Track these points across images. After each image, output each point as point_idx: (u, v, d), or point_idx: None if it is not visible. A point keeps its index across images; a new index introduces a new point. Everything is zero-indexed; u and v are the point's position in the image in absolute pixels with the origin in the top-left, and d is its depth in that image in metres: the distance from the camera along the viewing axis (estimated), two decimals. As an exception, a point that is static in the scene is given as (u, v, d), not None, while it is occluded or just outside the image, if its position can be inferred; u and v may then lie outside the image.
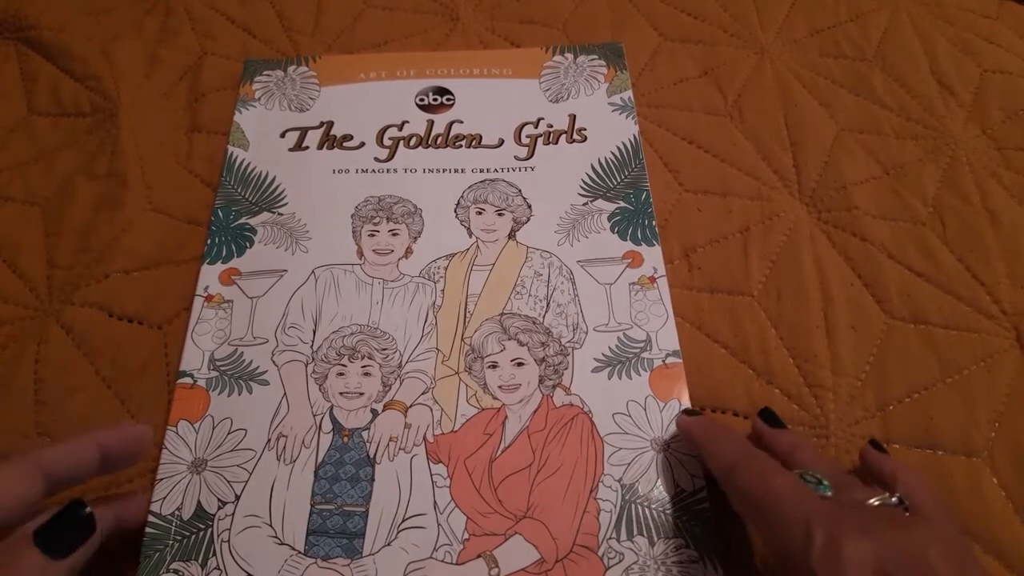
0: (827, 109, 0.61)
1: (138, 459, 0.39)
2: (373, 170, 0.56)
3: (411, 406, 0.46)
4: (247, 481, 0.43)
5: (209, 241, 0.53)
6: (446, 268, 0.51)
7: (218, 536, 0.41)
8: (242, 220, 0.54)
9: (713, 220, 0.55)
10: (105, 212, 0.55)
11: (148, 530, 0.41)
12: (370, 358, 0.47)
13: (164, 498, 0.43)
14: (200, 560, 0.40)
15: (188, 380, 0.47)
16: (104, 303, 0.51)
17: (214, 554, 0.41)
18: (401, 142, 0.58)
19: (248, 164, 0.56)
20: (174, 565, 0.40)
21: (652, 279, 0.51)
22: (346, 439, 0.44)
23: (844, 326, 0.50)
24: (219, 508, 0.42)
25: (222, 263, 0.52)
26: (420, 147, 0.57)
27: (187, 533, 0.41)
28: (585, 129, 0.58)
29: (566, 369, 0.47)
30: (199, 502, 0.42)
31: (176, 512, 0.42)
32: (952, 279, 0.52)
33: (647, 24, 0.66)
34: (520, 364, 0.47)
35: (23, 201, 0.56)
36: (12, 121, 0.61)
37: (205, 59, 0.64)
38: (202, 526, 0.42)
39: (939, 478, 0.45)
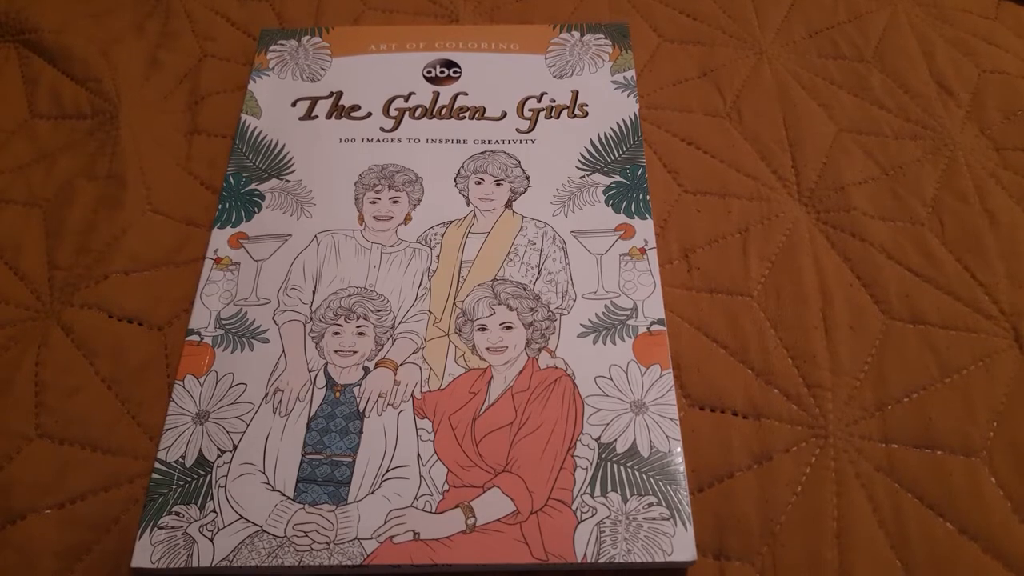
0: (826, 110, 0.61)
1: None
2: (378, 139, 0.58)
3: (401, 364, 0.47)
4: (244, 432, 0.45)
5: (220, 206, 0.55)
6: (443, 235, 0.53)
7: (216, 482, 0.44)
8: (252, 186, 0.56)
9: (712, 221, 0.55)
10: (105, 213, 0.55)
11: (154, 476, 0.44)
12: (365, 319, 0.49)
13: (170, 447, 0.45)
14: (199, 503, 0.43)
15: (195, 337, 0.49)
16: (104, 304, 0.51)
17: (211, 498, 0.43)
18: (407, 113, 0.59)
19: (260, 132, 0.58)
20: (176, 508, 0.43)
21: (642, 250, 0.52)
22: (338, 394, 0.46)
23: (843, 326, 0.50)
24: (218, 456, 0.44)
25: (231, 227, 0.54)
26: (425, 118, 0.59)
27: (189, 479, 0.44)
28: (587, 105, 0.59)
29: (552, 334, 0.49)
30: (200, 450, 0.45)
31: (180, 460, 0.44)
32: (951, 279, 0.52)
33: (646, 25, 0.67)
34: (508, 328, 0.49)
35: (24, 203, 0.57)
36: (13, 123, 0.61)
37: (205, 61, 0.65)
38: (202, 472, 0.44)
39: (938, 478, 0.45)
